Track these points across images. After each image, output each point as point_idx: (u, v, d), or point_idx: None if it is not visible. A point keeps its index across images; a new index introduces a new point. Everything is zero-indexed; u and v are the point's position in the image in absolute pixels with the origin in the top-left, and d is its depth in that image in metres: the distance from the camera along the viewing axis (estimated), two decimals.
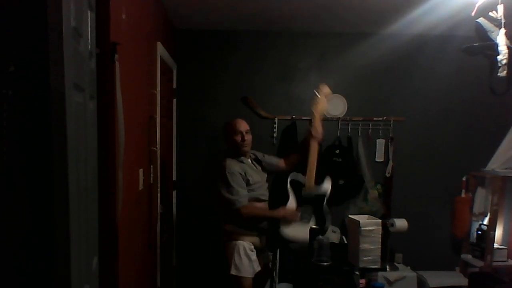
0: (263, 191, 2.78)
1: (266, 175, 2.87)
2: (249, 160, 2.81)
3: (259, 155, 2.92)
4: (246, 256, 2.65)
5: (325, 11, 3.10)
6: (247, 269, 2.63)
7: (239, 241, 2.66)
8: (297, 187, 2.79)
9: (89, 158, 1.29)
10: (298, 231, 2.71)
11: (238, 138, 2.70)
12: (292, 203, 2.76)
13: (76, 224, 1.05)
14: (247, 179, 2.66)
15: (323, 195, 2.81)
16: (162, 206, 2.90)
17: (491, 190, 3.53)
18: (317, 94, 2.77)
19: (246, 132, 2.74)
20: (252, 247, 2.68)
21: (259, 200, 2.73)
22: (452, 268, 3.83)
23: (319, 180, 2.82)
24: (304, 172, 2.78)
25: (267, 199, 2.82)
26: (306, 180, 2.76)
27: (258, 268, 2.69)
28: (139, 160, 2.32)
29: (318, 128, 2.76)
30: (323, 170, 3.57)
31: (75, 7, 1.06)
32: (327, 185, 2.82)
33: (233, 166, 2.65)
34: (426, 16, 3.07)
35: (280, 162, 2.96)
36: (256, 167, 2.83)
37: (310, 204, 2.78)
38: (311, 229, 2.95)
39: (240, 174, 2.64)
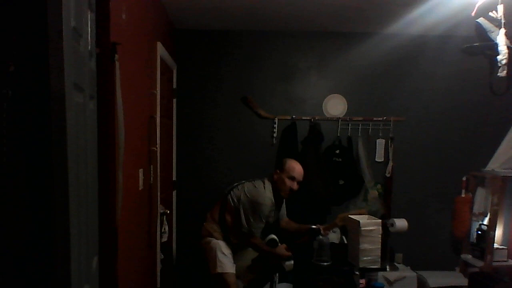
0: (261, 229, 2.81)
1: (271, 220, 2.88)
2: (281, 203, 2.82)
3: (282, 206, 2.93)
4: (227, 252, 2.69)
5: (325, 11, 3.10)
6: (230, 264, 2.66)
7: (219, 240, 2.70)
8: (271, 245, 2.82)
9: (89, 158, 1.29)
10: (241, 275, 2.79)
11: (289, 183, 2.68)
12: (253, 253, 2.81)
13: (76, 224, 1.05)
14: (266, 216, 2.68)
15: (281, 268, 2.82)
16: (162, 206, 2.90)
17: (491, 190, 3.53)
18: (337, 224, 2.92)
19: (298, 183, 2.71)
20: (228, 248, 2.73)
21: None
22: (452, 268, 3.83)
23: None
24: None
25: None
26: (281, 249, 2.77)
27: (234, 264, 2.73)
28: (139, 160, 2.32)
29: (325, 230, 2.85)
30: (324, 171, 3.60)
31: (75, 7, 1.05)
32: (291, 263, 2.82)
33: (269, 201, 2.64)
34: (426, 16, 3.07)
35: (283, 219, 2.96)
36: (274, 210, 2.82)
37: (265, 265, 2.81)
38: (311, 229, 2.95)
39: (269, 209, 2.65)
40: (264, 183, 2.70)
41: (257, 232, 2.64)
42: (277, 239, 2.83)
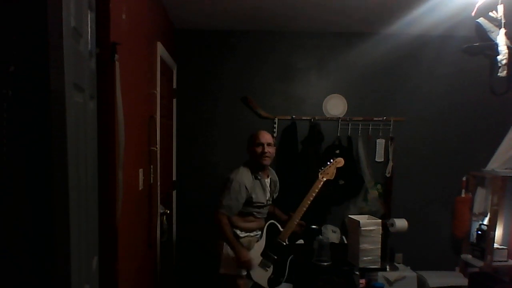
0: (262, 211, 2.74)
1: (270, 199, 2.81)
2: (265, 179, 2.75)
3: (276, 182, 2.87)
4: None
5: (325, 11, 3.10)
6: (235, 266, 2.61)
7: None
8: (273, 231, 2.72)
9: (89, 158, 1.29)
10: (260, 277, 2.65)
11: (259, 149, 2.64)
12: (258, 248, 2.66)
13: (76, 224, 1.05)
14: (250, 196, 2.61)
15: (291, 251, 2.75)
16: (162, 206, 2.90)
17: (491, 190, 3.53)
18: (332, 163, 2.82)
19: (268, 145, 2.66)
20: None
21: (254, 217, 2.69)
22: (452, 268, 3.83)
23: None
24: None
25: (263, 217, 2.77)
26: (284, 229, 2.69)
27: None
28: (139, 160, 2.32)
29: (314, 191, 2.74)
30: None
31: (75, 7, 1.05)
32: (299, 242, 2.76)
33: (242, 177, 2.60)
34: (426, 16, 3.07)
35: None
36: (267, 187, 2.76)
37: (276, 253, 2.69)
38: (311, 229, 2.94)
39: (246, 187, 2.59)
40: (242, 166, 2.70)
41: (229, 212, 2.55)
42: (277, 224, 2.72)
